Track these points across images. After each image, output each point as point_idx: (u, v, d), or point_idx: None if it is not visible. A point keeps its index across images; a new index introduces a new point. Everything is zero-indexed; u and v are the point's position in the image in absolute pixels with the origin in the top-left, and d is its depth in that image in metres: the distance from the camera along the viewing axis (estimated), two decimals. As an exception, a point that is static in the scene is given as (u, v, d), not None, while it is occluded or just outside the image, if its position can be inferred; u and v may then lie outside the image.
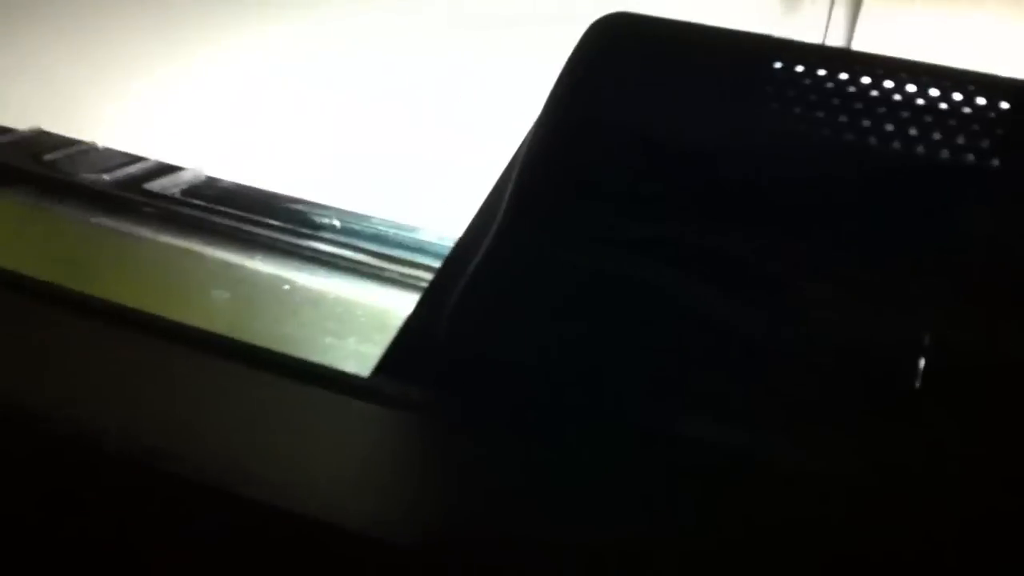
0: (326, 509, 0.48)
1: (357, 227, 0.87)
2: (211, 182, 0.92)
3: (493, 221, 0.60)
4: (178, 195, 0.88)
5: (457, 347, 0.58)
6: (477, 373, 0.57)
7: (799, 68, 0.53)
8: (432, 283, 0.64)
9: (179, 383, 0.56)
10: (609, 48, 0.57)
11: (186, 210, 0.85)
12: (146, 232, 0.81)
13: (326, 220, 0.87)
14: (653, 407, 0.53)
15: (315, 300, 0.73)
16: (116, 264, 0.77)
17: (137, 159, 0.94)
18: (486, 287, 0.58)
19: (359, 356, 0.62)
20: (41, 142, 0.96)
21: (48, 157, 0.92)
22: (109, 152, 0.96)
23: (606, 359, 0.54)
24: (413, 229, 0.87)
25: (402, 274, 0.77)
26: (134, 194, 0.87)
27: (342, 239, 0.84)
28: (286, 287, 0.74)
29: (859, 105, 0.52)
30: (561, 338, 0.56)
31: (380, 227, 0.88)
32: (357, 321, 0.69)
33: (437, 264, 0.78)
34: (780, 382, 0.51)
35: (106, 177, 0.90)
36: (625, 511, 0.50)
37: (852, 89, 0.53)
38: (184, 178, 0.91)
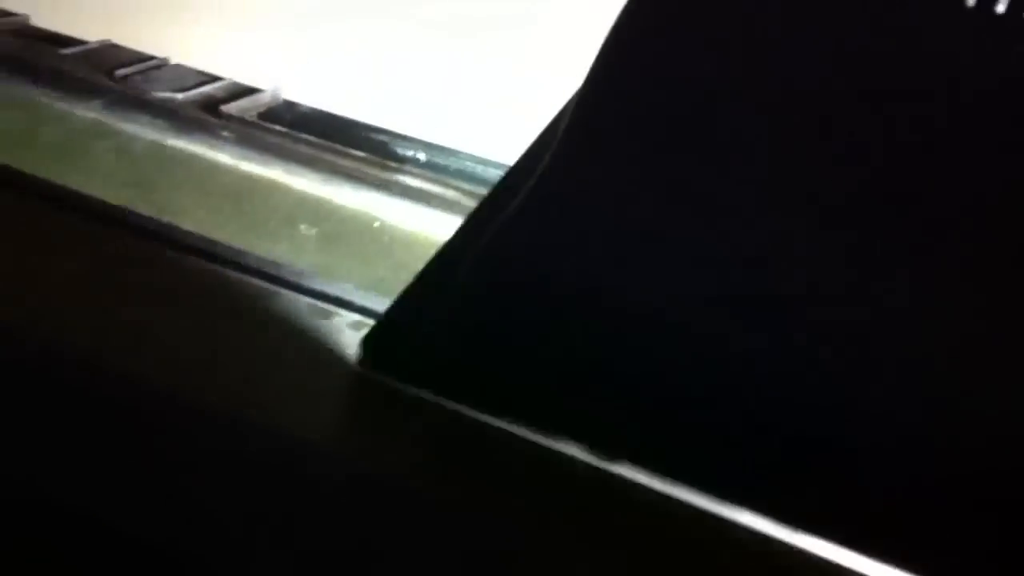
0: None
1: (443, 161, 0.82)
2: (289, 106, 0.87)
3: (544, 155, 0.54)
4: (255, 119, 0.83)
5: (484, 285, 0.51)
6: (504, 316, 0.51)
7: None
8: (471, 215, 0.58)
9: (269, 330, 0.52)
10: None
11: (266, 135, 0.80)
12: (225, 157, 0.76)
13: (410, 152, 0.82)
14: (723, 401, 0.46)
15: (408, 241, 0.68)
16: (193, 190, 0.72)
17: (211, 78, 0.89)
18: (528, 223, 0.52)
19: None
20: (112, 55, 0.91)
21: (120, 72, 0.87)
22: (182, 69, 0.91)
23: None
24: (501, 166, 0.82)
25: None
26: (211, 116, 0.82)
27: (429, 174, 0.79)
28: (376, 224, 0.69)
29: None
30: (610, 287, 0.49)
31: (467, 162, 0.82)
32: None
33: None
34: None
35: (179, 96, 0.85)
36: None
37: None
38: (262, 100, 0.87)
